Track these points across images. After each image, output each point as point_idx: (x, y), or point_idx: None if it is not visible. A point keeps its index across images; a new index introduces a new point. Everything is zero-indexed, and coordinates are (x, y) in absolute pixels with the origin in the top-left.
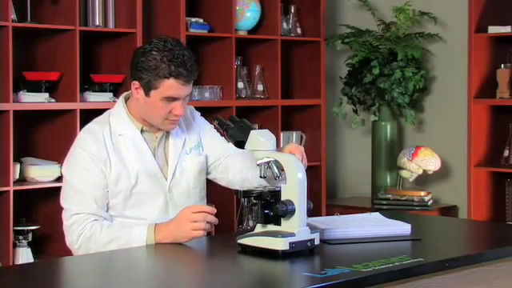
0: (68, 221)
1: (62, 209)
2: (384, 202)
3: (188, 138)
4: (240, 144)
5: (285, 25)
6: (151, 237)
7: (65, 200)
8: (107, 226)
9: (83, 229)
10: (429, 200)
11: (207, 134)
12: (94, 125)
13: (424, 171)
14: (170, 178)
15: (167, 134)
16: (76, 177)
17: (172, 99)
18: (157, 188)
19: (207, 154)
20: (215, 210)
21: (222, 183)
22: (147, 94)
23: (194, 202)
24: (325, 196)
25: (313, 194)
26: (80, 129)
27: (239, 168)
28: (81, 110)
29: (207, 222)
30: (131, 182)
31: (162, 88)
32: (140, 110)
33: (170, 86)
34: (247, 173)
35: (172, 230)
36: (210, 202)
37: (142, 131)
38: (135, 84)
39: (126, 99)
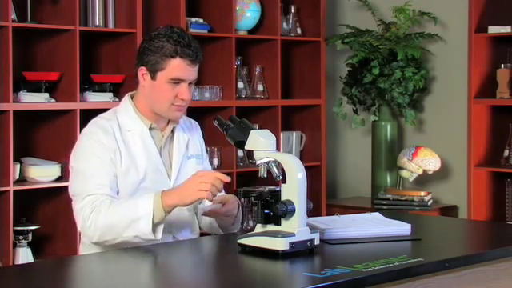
0: (80, 204)
1: (62, 209)
2: (384, 202)
3: (191, 145)
4: (240, 144)
5: (285, 25)
6: (158, 201)
7: (75, 187)
8: (116, 200)
9: (95, 202)
10: (429, 200)
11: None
12: (101, 119)
13: (424, 171)
14: (174, 179)
15: (172, 135)
16: (86, 163)
17: (178, 81)
18: (161, 186)
19: None
20: (229, 179)
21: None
22: (153, 77)
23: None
24: (325, 196)
25: (313, 193)
26: (80, 129)
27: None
28: (81, 110)
29: (213, 186)
30: (139, 177)
31: (169, 68)
32: (147, 98)
33: (177, 66)
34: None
35: (178, 190)
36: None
37: (149, 129)
38: (142, 70)
39: (132, 97)
